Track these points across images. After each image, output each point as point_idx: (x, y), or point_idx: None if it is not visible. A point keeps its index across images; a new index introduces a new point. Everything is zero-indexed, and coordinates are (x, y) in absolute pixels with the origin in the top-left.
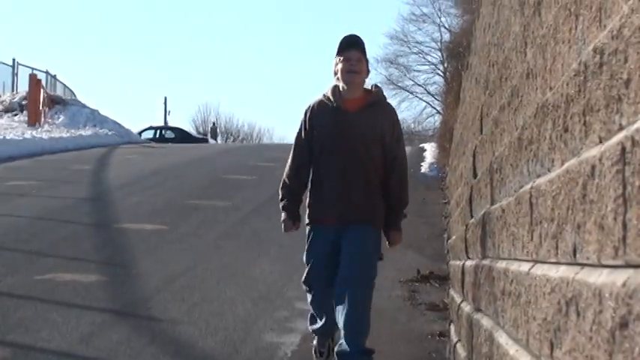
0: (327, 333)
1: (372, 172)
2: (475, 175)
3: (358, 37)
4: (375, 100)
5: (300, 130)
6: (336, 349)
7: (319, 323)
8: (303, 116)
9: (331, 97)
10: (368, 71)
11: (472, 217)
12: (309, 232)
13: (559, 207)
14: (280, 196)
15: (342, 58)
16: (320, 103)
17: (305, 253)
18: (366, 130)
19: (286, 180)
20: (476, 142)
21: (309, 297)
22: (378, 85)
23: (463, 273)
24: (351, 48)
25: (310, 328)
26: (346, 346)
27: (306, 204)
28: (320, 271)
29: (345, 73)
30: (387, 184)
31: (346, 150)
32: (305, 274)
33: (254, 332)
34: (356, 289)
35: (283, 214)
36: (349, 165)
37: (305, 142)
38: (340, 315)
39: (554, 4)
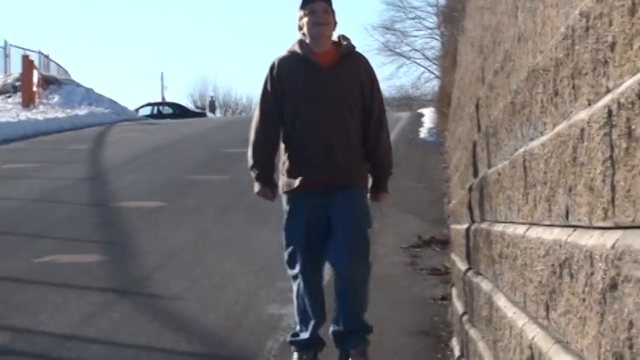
0: (311, 346)
1: (353, 132)
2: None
3: None
4: (348, 50)
5: (266, 88)
6: (331, 328)
7: (303, 335)
8: (267, 73)
9: (299, 51)
10: (335, 22)
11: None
12: (289, 201)
13: (551, 170)
14: (251, 164)
15: (306, 12)
16: (287, 58)
17: (284, 227)
18: (346, 87)
19: (255, 146)
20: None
21: (294, 286)
22: (345, 35)
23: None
24: (315, 0)
25: (290, 339)
26: (342, 326)
27: (281, 171)
28: (307, 245)
29: (312, 26)
30: (370, 142)
31: (326, 110)
32: (288, 253)
33: (256, 305)
34: (351, 263)
35: (257, 185)
36: (330, 125)
37: (273, 102)
38: (336, 291)
39: None
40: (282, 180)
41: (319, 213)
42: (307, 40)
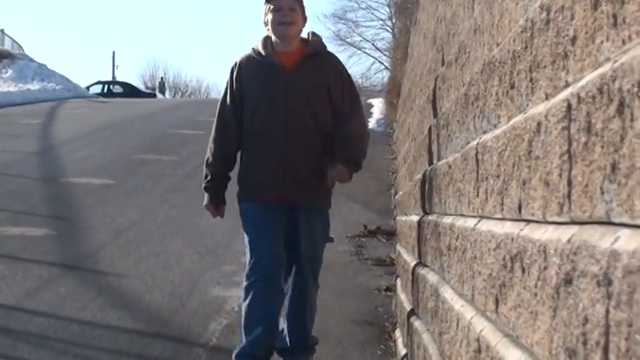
0: (258, 353)
1: (318, 140)
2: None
3: None
4: (314, 51)
5: (226, 93)
6: (278, 345)
7: (245, 340)
8: (228, 76)
9: (262, 51)
10: (305, 19)
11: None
12: (247, 210)
13: (505, 163)
14: (204, 173)
15: (271, 7)
16: (248, 58)
17: (246, 236)
18: (308, 90)
19: (210, 156)
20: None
21: (245, 298)
22: (316, 32)
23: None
24: None
25: (235, 352)
26: (288, 340)
27: (237, 180)
28: (260, 231)
29: (277, 25)
30: (339, 139)
31: (286, 115)
32: (250, 263)
33: (200, 286)
34: (305, 283)
35: (206, 197)
36: (291, 133)
37: (232, 108)
38: (285, 309)
39: None
40: (240, 188)
41: (280, 225)
42: (273, 38)
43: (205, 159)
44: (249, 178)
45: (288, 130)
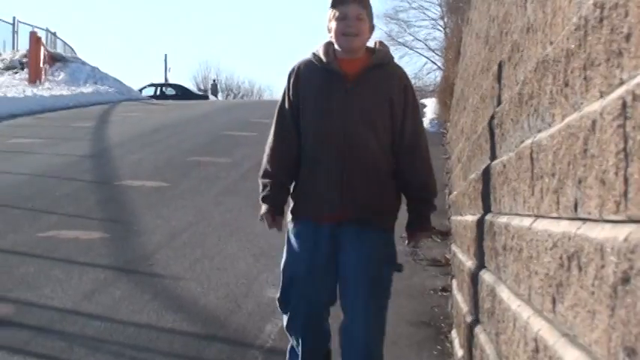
0: None
1: (380, 156)
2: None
3: None
4: (380, 61)
5: (284, 100)
6: None
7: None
8: (286, 81)
9: (323, 57)
10: (372, 28)
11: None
12: (293, 229)
13: (560, 162)
14: (262, 186)
15: (337, 14)
16: (308, 64)
17: (283, 259)
18: (371, 103)
19: (267, 165)
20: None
21: (284, 319)
22: (383, 42)
23: (466, 228)
24: (349, 1)
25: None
26: None
27: (291, 195)
28: (307, 284)
29: (341, 36)
30: (403, 170)
31: (344, 127)
32: (281, 289)
33: (255, 288)
34: (366, 319)
35: (263, 207)
36: (349, 146)
37: (290, 115)
38: (344, 348)
39: None
40: (292, 205)
41: (328, 246)
42: (336, 45)
43: (262, 168)
44: (303, 194)
45: (347, 146)
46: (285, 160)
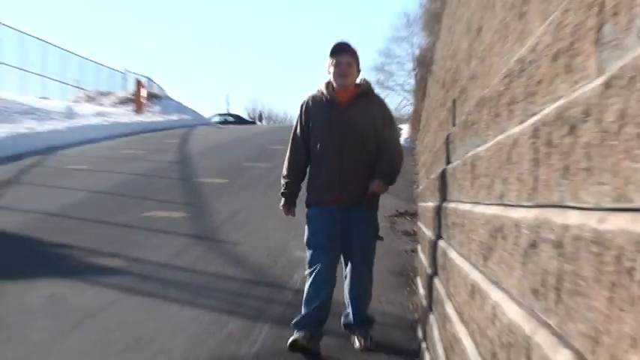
0: (309, 325)
1: (365, 157)
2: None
3: (348, 43)
4: (363, 91)
5: (297, 124)
6: (342, 320)
7: (303, 313)
8: (299, 110)
9: (324, 92)
10: (359, 71)
11: (448, 163)
12: (309, 212)
13: (491, 166)
14: (281, 184)
15: (333, 61)
16: (314, 97)
17: (306, 234)
18: (357, 119)
19: (285, 173)
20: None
21: (307, 281)
22: (367, 79)
23: (430, 211)
24: (342, 52)
25: (292, 323)
26: (351, 318)
27: (306, 189)
28: (321, 239)
29: (337, 76)
30: (378, 156)
31: (341, 138)
32: (309, 256)
33: (287, 250)
34: (360, 272)
35: (282, 200)
36: (344, 152)
37: (301, 136)
38: (346, 291)
39: (490, 29)
40: (307, 195)
41: (335, 225)
42: (334, 84)
43: (282, 172)
44: (313, 186)
45: (342, 150)
46: (296, 167)
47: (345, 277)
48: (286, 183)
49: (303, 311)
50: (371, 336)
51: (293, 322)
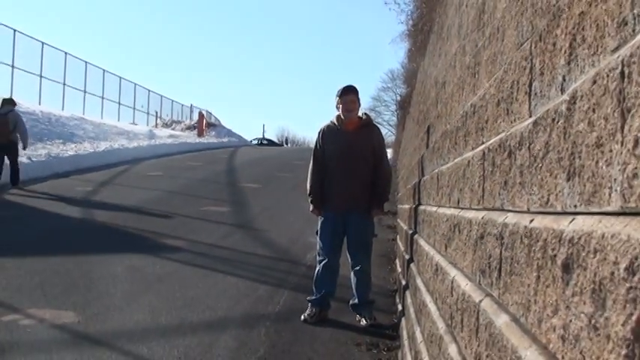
0: (319, 303)
1: (366, 174)
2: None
3: (352, 85)
4: (366, 122)
5: (316, 145)
6: (350, 302)
7: (316, 296)
8: (317, 136)
9: (336, 123)
10: (359, 105)
11: (422, 177)
12: (323, 217)
13: (451, 180)
14: (308, 193)
15: (340, 100)
16: (329, 126)
17: (318, 229)
18: (361, 145)
19: (310, 182)
20: (424, 151)
21: (318, 267)
22: (367, 113)
23: (408, 211)
24: (348, 93)
25: (307, 299)
26: (356, 300)
27: (321, 197)
28: (327, 236)
29: (345, 112)
30: (375, 182)
31: (348, 160)
32: (319, 246)
33: (303, 236)
34: (361, 263)
35: (311, 205)
36: (350, 169)
37: (320, 155)
38: (353, 280)
39: (451, 83)
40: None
41: (340, 225)
42: (342, 116)
43: (308, 185)
44: (326, 196)
45: (349, 169)
46: (318, 180)
47: (352, 268)
48: (313, 193)
49: (314, 291)
50: (374, 316)
51: (308, 298)
